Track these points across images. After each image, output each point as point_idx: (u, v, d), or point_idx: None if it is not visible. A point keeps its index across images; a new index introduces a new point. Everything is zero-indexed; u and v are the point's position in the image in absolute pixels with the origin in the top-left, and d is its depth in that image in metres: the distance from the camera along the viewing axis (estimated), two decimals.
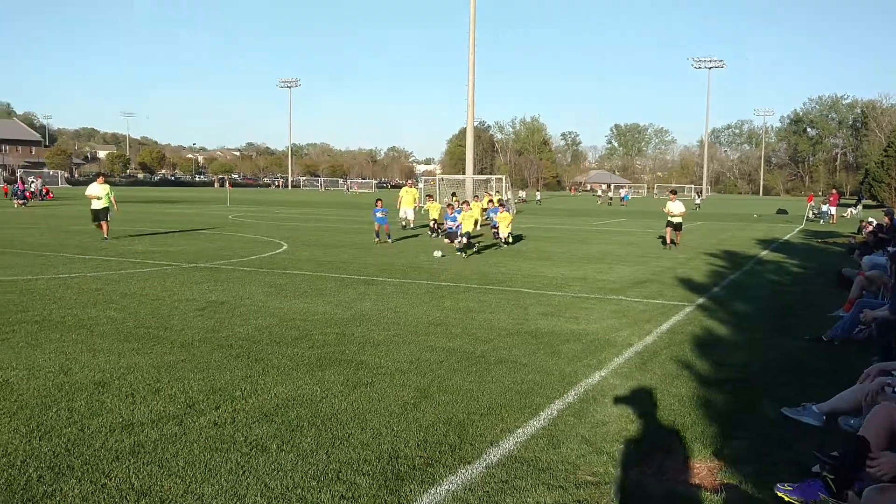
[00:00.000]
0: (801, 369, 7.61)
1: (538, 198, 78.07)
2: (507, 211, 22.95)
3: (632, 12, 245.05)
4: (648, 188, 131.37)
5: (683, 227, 22.63)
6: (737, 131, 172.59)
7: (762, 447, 5.28)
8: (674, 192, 23.74)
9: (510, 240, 21.79)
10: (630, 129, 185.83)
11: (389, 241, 21.09)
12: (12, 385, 6.40)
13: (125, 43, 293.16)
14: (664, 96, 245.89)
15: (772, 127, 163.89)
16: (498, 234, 21.37)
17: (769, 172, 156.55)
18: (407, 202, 27.34)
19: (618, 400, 6.34)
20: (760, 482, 4.64)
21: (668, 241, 21.78)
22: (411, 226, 26.74)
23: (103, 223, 20.80)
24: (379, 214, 21.30)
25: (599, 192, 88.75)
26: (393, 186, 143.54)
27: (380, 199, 22.22)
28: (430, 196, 29.28)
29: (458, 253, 18.48)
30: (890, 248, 12.79)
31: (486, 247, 20.69)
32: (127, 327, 8.95)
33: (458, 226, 19.63)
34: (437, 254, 17.95)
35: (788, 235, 29.44)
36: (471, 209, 20.60)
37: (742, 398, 6.53)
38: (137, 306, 10.40)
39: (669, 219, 21.96)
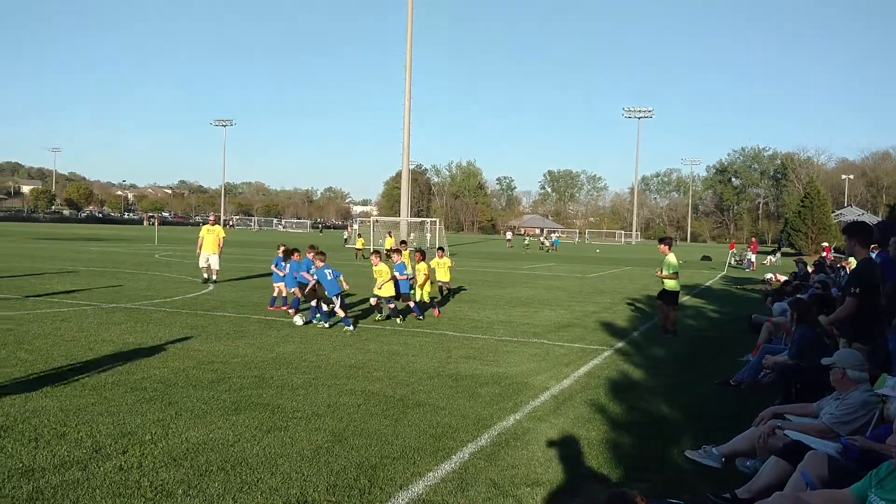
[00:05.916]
0: (708, 413, 7.90)
1: (508, 237, 78.72)
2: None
3: (563, 61, 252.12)
4: (580, 233, 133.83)
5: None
6: (665, 179, 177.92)
7: (664, 490, 5.45)
8: (667, 244, 13.80)
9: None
10: (563, 175, 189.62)
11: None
12: None
13: (52, 73, 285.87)
14: (596, 144, 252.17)
15: (698, 176, 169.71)
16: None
17: (696, 220, 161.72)
18: (209, 245, 20.54)
19: (529, 443, 6.47)
20: None
21: (669, 324, 13.52)
22: (214, 277, 20.64)
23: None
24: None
25: (509, 237, 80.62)
26: (328, 227, 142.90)
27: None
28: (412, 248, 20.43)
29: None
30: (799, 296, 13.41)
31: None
32: (37, 369, 8.69)
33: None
34: (299, 320, 13.26)
35: (710, 281, 30.41)
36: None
37: (650, 442, 6.74)
38: (50, 348, 10.09)
39: (666, 285, 13.45)
